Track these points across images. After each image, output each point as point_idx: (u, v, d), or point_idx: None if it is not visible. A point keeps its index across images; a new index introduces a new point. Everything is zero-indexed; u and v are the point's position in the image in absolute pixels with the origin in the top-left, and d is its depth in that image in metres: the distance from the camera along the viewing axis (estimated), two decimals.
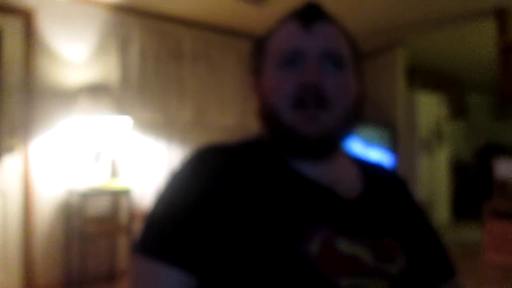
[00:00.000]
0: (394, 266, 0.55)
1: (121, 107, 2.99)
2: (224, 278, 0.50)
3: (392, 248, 0.57)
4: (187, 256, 0.51)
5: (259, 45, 0.66)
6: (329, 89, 0.57)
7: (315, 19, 0.60)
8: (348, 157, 0.69)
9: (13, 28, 2.68)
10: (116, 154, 3.01)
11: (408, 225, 0.64)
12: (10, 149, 2.64)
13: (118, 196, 3.04)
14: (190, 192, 0.54)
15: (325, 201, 0.57)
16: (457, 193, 5.43)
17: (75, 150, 2.87)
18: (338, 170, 0.63)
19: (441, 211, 4.95)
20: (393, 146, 4.12)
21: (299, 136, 0.57)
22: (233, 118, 3.72)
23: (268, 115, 0.61)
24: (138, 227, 2.81)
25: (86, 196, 2.71)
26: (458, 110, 5.97)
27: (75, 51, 2.92)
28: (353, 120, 0.61)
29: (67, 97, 2.84)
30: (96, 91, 2.81)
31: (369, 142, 4.05)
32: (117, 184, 2.86)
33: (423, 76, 5.17)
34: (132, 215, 2.90)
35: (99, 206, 2.97)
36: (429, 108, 4.79)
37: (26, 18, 2.72)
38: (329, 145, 0.60)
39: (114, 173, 2.95)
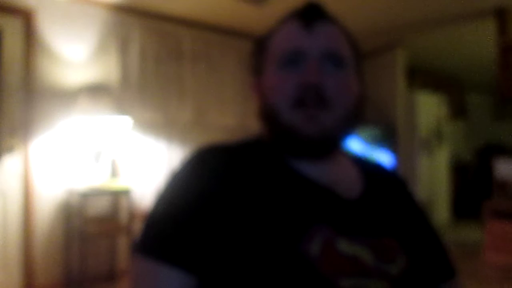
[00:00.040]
0: (394, 266, 0.55)
1: (121, 107, 2.99)
2: (224, 278, 0.50)
3: (392, 248, 0.57)
4: (187, 256, 0.51)
5: (259, 45, 0.65)
6: (329, 89, 0.57)
7: (316, 19, 0.60)
8: (348, 157, 0.69)
9: (13, 28, 2.68)
10: (116, 154, 3.00)
11: (408, 225, 0.64)
12: (10, 149, 2.64)
13: (118, 196, 3.04)
14: (190, 192, 0.54)
15: (325, 201, 0.57)
16: (457, 193, 5.43)
17: (75, 150, 2.87)
18: (338, 170, 0.63)
19: (441, 211, 4.95)
20: (393, 146, 4.12)
21: (300, 136, 0.57)
22: (233, 118, 3.72)
23: (268, 115, 0.61)
24: (138, 227, 2.81)
25: (86, 196, 2.71)
26: (458, 110, 5.97)
27: (75, 51, 2.92)
28: (353, 120, 0.61)
29: (67, 97, 2.84)
30: (96, 91, 2.81)
31: (369, 142, 4.05)
32: (117, 184, 2.86)
33: (423, 76, 5.17)
34: (132, 215, 2.90)
35: (99, 206, 2.97)
36: (429, 108, 4.79)
37: (26, 18, 2.72)
38: (330, 145, 0.60)
39: (114, 173, 2.94)
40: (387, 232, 0.59)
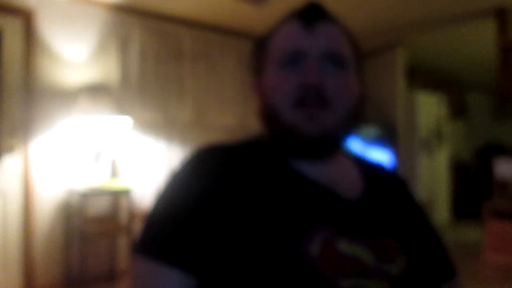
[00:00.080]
0: (394, 266, 0.55)
1: (121, 107, 2.99)
2: (225, 279, 0.50)
3: (393, 249, 0.57)
4: (187, 256, 0.50)
5: (260, 45, 0.65)
6: (330, 89, 0.57)
7: (316, 19, 0.60)
8: (348, 157, 0.69)
9: (13, 28, 2.68)
10: (116, 154, 3.00)
11: (409, 225, 0.64)
12: (10, 149, 2.64)
13: (118, 196, 3.04)
14: (190, 192, 0.54)
15: (325, 202, 0.57)
16: (457, 193, 5.43)
17: (75, 150, 2.87)
18: (339, 170, 0.63)
19: (441, 211, 4.95)
20: (393, 146, 4.12)
21: (300, 136, 0.57)
22: (233, 118, 3.72)
23: (268, 115, 0.61)
24: (138, 227, 2.81)
25: (86, 196, 2.71)
26: (458, 110, 5.98)
27: (75, 51, 2.92)
28: (354, 120, 0.61)
29: (67, 97, 2.84)
30: (96, 91, 2.81)
31: (369, 142, 4.05)
32: (117, 184, 2.86)
33: (423, 76, 5.17)
34: (132, 215, 2.90)
35: (99, 206, 2.97)
36: (429, 108, 4.79)
37: (26, 18, 2.72)
38: (330, 145, 0.60)
39: (114, 173, 2.94)
40: (387, 232, 0.59)
